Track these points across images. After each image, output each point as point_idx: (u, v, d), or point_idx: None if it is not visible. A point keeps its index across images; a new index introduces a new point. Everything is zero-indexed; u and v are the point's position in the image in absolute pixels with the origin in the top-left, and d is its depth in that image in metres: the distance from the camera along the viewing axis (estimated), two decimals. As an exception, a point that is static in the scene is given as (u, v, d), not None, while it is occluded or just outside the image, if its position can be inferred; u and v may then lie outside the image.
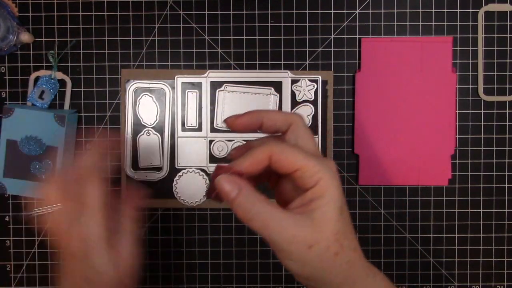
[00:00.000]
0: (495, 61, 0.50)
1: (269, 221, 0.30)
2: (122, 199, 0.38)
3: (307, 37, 0.50)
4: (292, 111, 0.50)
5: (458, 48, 0.50)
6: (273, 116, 0.34)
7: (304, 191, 0.31)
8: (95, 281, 0.36)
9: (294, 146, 0.32)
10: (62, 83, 0.50)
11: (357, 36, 0.50)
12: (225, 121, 0.35)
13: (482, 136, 0.50)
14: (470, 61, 0.50)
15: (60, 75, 0.50)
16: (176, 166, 0.50)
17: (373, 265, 0.33)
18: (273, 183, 0.36)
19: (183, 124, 0.50)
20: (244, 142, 0.50)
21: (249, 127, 0.34)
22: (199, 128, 0.50)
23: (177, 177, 0.50)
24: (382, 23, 0.50)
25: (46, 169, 0.48)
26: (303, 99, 0.50)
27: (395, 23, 0.50)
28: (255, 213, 0.30)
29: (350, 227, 0.31)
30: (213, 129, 0.50)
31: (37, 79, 0.50)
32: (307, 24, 0.50)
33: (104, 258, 0.36)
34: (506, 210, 0.51)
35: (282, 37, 0.50)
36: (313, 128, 0.50)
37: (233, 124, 0.34)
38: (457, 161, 0.50)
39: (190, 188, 0.50)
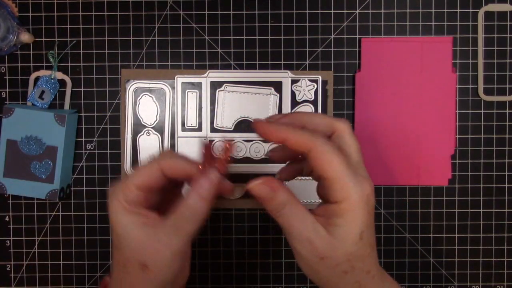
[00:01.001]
0: (495, 61, 0.50)
1: (293, 223, 0.30)
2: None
3: (307, 37, 0.50)
4: (292, 111, 0.50)
5: (458, 48, 0.50)
6: (316, 120, 0.32)
7: (328, 201, 0.30)
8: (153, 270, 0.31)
9: (337, 151, 0.30)
10: (62, 83, 0.50)
11: (357, 36, 0.50)
12: (257, 123, 0.32)
13: (482, 136, 0.50)
14: (470, 61, 0.50)
15: (60, 75, 0.50)
16: (176, 166, 0.50)
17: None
18: (306, 172, 0.35)
19: (183, 124, 0.50)
20: (243, 142, 0.50)
21: (271, 139, 0.32)
22: (199, 128, 0.50)
23: (177, 177, 0.50)
24: (382, 23, 0.50)
25: (46, 169, 0.48)
26: (303, 99, 0.50)
27: (395, 23, 0.50)
28: (283, 214, 0.30)
29: (368, 251, 0.31)
30: (213, 129, 0.50)
31: (37, 79, 0.50)
32: (307, 24, 0.50)
33: (123, 226, 0.31)
34: (506, 210, 0.50)
35: (282, 37, 0.50)
36: (313, 128, 0.50)
37: (257, 130, 0.32)
38: (457, 161, 0.50)
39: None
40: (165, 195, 0.35)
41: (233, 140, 0.32)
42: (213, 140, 0.35)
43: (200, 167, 0.33)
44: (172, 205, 0.32)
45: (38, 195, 0.48)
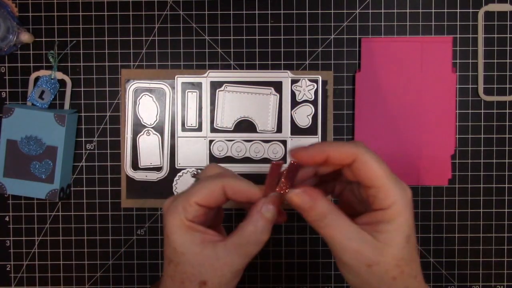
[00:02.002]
0: (495, 61, 0.50)
1: (336, 233, 0.30)
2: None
3: (307, 37, 0.50)
4: (292, 111, 0.50)
5: (458, 48, 0.50)
6: (337, 148, 0.31)
7: (373, 209, 0.31)
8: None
9: (379, 159, 0.30)
10: (62, 83, 0.50)
11: (357, 36, 0.50)
12: (297, 151, 0.32)
13: (482, 136, 0.50)
14: (470, 61, 0.50)
15: (60, 75, 0.50)
16: (176, 166, 0.50)
17: None
18: (337, 191, 0.35)
19: (183, 124, 0.50)
20: (243, 142, 0.50)
21: (314, 160, 0.31)
22: (199, 128, 0.50)
23: (177, 177, 0.50)
24: (382, 23, 0.50)
25: (46, 169, 0.48)
26: (303, 99, 0.50)
27: (395, 23, 0.50)
28: (325, 224, 0.30)
29: (414, 254, 0.31)
30: (213, 129, 0.50)
31: (37, 79, 0.50)
32: (307, 24, 0.50)
33: (182, 242, 0.31)
34: (506, 210, 0.50)
35: (282, 37, 0.50)
36: (313, 128, 0.50)
37: (297, 156, 0.32)
38: (457, 161, 0.50)
39: (190, 188, 0.50)
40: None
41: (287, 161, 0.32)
42: (281, 161, 0.34)
43: (265, 190, 0.32)
44: (211, 222, 0.33)
45: (38, 195, 0.48)
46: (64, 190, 0.49)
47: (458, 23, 0.50)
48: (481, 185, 0.50)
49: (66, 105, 0.50)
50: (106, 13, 0.50)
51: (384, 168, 0.30)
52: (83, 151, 0.51)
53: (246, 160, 0.50)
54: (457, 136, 0.50)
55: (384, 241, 0.30)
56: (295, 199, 0.31)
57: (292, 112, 0.50)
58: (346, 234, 0.30)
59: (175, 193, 0.50)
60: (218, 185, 0.32)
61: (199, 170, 0.50)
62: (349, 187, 0.35)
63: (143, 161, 0.50)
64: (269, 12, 0.50)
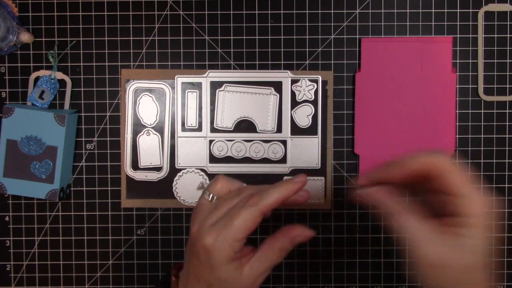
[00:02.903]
0: (495, 61, 0.50)
1: (419, 237, 0.32)
2: (282, 229, 0.36)
3: (307, 37, 0.50)
4: (292, 111, 0.50)
5: (458, 48, 0.50)
6: (419, 161, 0.33)
7: (452, 215, 0.32)
8: None
9: (461, 169, 0.33)
10: (62, 83, 0.50)
11: (357, 36, 0.50)
12: (377, 171, 0.35)
13: (482, 136, 0.50)
14: (470, 61, 0.50)
15: (60, 75, 0.50)
16: (176, 166, 0.50)
17: None
18: (412, 194, 0.37)
19: (183, 124, 0.50)
20: (243, 142, 0.50)
21: (397, 177, 0.34)
22: (199, 128, 0.50)
23: (177, 177, 0.50)
24: (382, 23, 0.50)
25: (46, 169, 0.48)
26: (303, 99, 0.50)
27: (395, 23, 0.50)
28: (407, 230, 0.32)
29: (485, 262, 0.33)
30: (213, 129, 0.50)
31: (37, 79, 0.50)
32: (307, 24, 0.50)
33: (227, 271, 0.34)
34: (506, 210, 0.50)
35: (282, 37, 0.50)
36: (313, 128, 0.50)
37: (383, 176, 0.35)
38: (457, 161, 0.50)
39: (190, 188, 0.50)
40: None
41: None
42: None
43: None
44: None
45: (38, 195, 0.48)
46: (64, 190, 0.49)
47: (458, 23, 0.50)
48: (481, 185, 0.50)
49: (66, 105, 0.50)
50: (106, 13, 0.50)
51: (466, 178, 0.32)
52: (83, 151, 0.51)
53: (246, 160, 0.50)
54: (457, 136, 0.50)
55: (461, 246, 0.32)
56: (364, 197, 0.34)
57: (292, 112, 0.50)
58: (429, 240, 0.32)
59: (175, 193, 0.50)
60: (257, 214, 0.33)
61: (205, 182, 0.50)
62: (423, 193, 0.36)
63: (143, 161, 0.50)
64: (269, 12, 0.50)
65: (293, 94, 0.50)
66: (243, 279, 0.35)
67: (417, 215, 0.33)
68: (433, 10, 0.50)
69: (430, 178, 0.33)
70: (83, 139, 0.51)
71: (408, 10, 0.50)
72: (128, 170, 0.50)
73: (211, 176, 0.50)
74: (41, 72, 0.50)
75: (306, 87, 0.50)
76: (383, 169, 0.35)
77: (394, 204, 0.33)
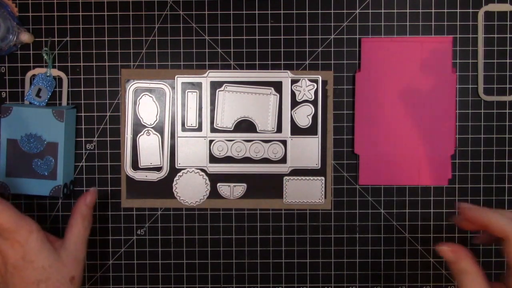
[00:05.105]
0: (495, 61, 0.50)
1: None
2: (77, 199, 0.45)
3: (307, 37, 0.50)
4: (292, 111, 0.50)
5: (458, 48, 0.50)
6: (494, 223, 0.37)
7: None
8: (45, 279, 0.41)
9: None
10: (60, 82, 0.50)
11: (357, 36, 0.50)
12: (464, 209, 0.39)
13: (482, 136, 0.50)
14: (470, 61, 0.50)
15: (55, 72, 0.50)
16: (176, 166, 0.50)
17: None
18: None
19: (183, 124, 0.50)
20: (243, 142, 0.50)
21: (475, 223, 0.39)
22: (199, 128, 0.50)
23: (177, 177, 0.50)
24: (382, 23, 0.50)
25: (48, 166, 0.48)
26: (303, 99, 0.50)
27: (395, 23, 0.50)
28: (462, 281, 0.37)
29: None
30: (213, 129, 0.50)
31: (34, 78, 0.50)
32: (307, 24, 0.50)
33: (46, 254, 0.41)
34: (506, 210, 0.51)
35: (282, 37, 0.50)
36: (313, 128, 0.50)
37: (463, 212, 0.39)
38: (457, 161, 0.50)
39: (190, 188, 0.50)
40: None
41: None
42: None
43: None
44: None
45: (42, 192, 0.48)
46: (67, 186, 0.49)
47: (458, 23, 0.50)
48: (481, 185, 0.51)
49: (64, 102, 0.50)
50: (106, 13, 0.50)
51: None
52: (83, 151, 0.51)
53: (246, 160, 0.50)
54: (457, 136, 0.50)
55: None
56: (442, 252, 0.38)
57: (292, 112, 0.50)
58: None
59: (175, 193, 0.50)
60: None
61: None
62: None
63: (143, 161, 0.50)
64: (269, 12, 0.50)
65: (293, 94, 0.50)
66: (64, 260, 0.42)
67: (479, 277, 0.37)
68: (433, 10, 0.50)
69: (503, 244, 0.37)
70: (83, 139, 0.51)
71: (408, 10, 0.50)
72: (128, 170, 0.50)
73: (211, 176, 0.50)
74: (37, 70, 0.50)
75: (306, 87, 0.50)
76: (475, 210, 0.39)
77: (466, 263, 0.37)
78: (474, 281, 0.37)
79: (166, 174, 0.50)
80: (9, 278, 0.41)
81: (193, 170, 0.50)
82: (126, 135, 0.50)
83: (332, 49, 0.50)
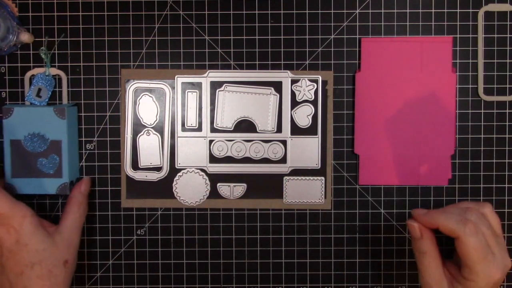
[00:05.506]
0: (495, 61, 0.50)
1: (425, 270, 0.41)
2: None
3: (307, 37, 0.50)
4: (292, 111, 0.50)
5: (458, 48, 0.50)
6: (443, 223, 0.39)
7: (461, 273, 0.39)
8: (38, 262, 0.42)
9: (478, 244, 0.37)
10: (60, 82, 0.50)
11: (357, 36, 0.50)
12: (417, 216, 0.41)
13: (482, 136, 0.50)
14: (470, 61, 0.50)
15: (54, 70, 0.50)
16: (176, 166, 0.50)
17: None
18: None
19: (183, 124, 0.50)
20: (243, 142, 0.50)
21: (427, 225, 0.41)
22: (199, 128, 0.50)
23: (177, 177, 0.50)
24: (382, 23, 0.50)
25: (53, 164, 0.48)
26: (303, 99, 0.50)
27: (395, 23, 0.50)
28: (420, 260, 0.41)
29: None
30: (213, 129, 0.50)
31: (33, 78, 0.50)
32: (307, 24, 0.50)
33: (39, 238, 0.42)
34: (506, 210, 0.51)
35: (282, 37, 0.50)
36: (313, 128, 0.50)
37: (416, 219, 0.41)
38: (457, 161, 0.50)
39: (190, 188, 0.50)
40: None
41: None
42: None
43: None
44: None
45: (49, 191, 0.48)
46: (73, 183, 0.49)
47: (458, 23, 0.50)
48: (481, 185, 0.51)
49: (64, 101, 0.50)
50: (106, 13, 0.50)
51: (479, 255, 0.37)
52: (83, 151, 0.51)
53: (246, 160, 0.50)
54: (457, 136, 0.50)
55: None
56: (409, 226, 0.41)
57: (292, 112, 0.50)
58: (433, 275, 0.40)
59: (175, 193, 0.50)
60: None
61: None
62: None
63: (143, 161, 0.50)
64: (269, 12, 0.50)
65: (293, 94, 0.50)
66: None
67: (437, 258, 0.40)
68: (433, 10, 0.50)
69: (455, 241, 0.39)
70: (83, 139, 0.51)
71: (408, 10, 0.50)
72: (128, 170, 0.50)
73: (211, 176, 0.50)
74: (36, 70, 0.50)
75: (306, 87, 0.50)
76: (425, 215, 0.41)
77: (426, 243, 0.40)
78: (432, 262, 0.40)
79: (166, 174, 0.50)
80: (5, 261, 0.42)
81: (193, 170, 0.50)
82: (126, 135, 0.50)
83: (332, 49, 0.50)
